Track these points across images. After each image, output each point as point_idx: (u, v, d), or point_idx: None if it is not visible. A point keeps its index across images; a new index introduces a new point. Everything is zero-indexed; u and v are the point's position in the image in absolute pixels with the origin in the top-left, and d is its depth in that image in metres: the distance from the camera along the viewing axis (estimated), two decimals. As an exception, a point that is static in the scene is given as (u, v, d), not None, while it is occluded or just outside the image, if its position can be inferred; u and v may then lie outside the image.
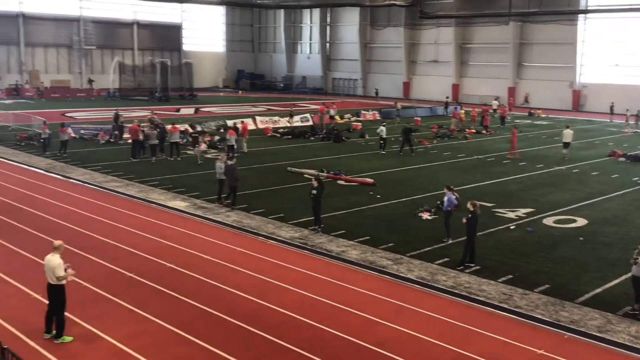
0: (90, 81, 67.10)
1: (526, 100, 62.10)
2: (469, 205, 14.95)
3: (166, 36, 77.35)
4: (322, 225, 17.56)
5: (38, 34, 66.58)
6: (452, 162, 30.09)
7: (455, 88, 68.26)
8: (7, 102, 53.46)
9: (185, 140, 32.69)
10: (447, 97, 59.82)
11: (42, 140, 30.13)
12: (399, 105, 51.99)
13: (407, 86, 73.15)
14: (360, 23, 75.04)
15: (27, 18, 65.63)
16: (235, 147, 29.83)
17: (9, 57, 65.77)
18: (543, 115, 55.41)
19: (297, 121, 44.18)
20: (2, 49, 65.02)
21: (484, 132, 41.98)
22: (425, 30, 67.61)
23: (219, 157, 21.68)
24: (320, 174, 24.40)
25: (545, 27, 57.98)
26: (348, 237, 16.94)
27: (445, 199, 16.53)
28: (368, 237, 16.94)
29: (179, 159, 28.60)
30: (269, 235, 17.09)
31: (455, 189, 17.29)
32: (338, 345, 10.79)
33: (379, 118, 49.41)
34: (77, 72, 69.36)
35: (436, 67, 70.61)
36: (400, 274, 14.24)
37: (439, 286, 13.55)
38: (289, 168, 26.75)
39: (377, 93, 70.12)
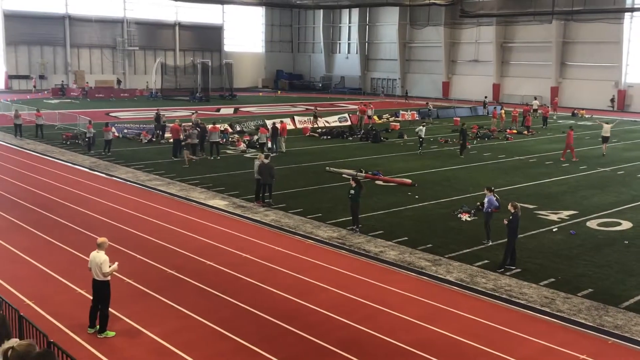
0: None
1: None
2: (509, 207, 14.74)
3: (207, 37, 78.40)
4: (360, 226, 17.55)
5: (83, 35, 68.38)
6: (493, 163, 29.69)
7: (496, 88, 67.32)
8: (53, 101, 54.83)
9: (224, 140, 33.12)
10: (486, 97, 59.03)
11: (87, 139, 30.82)
12: (431, 105, 52.07)
13: (446, 86, 72.48)
14: (399, 22, 74.65)
15: (72, 19, 67.42)
16: (268, 145, 30.17)
17: (55, 58, 67.69)
18: (587, 116, 54.19)
19: (334, 121, 44.28)
20: (48, 50, 66.97)
21: (525, 132, 41.32)
22: (465, 29, 66.86)
23: (257, 156, 21.87)
24: (359, 174, 24.40)
25: (589, 26, 56.70)
26: (386, 238, 16.90)
27: (486, 200, 16.35)
28: (406, 238, 16.86)
29: (218, 158, 28.94)
30: (307, 234, 17.16)
31: (495, 190, 17.08)
32: (375, 346, 10.78)
33: (417, 118, 49.14)
34: (120, 72, 70.89)
35: (476, 67, 69.78)
36: (439, 276, 14.14)
37: (479, 288, 13.40)
38: (327, 168, 26.80)
39: (407, 93, 69.58)
